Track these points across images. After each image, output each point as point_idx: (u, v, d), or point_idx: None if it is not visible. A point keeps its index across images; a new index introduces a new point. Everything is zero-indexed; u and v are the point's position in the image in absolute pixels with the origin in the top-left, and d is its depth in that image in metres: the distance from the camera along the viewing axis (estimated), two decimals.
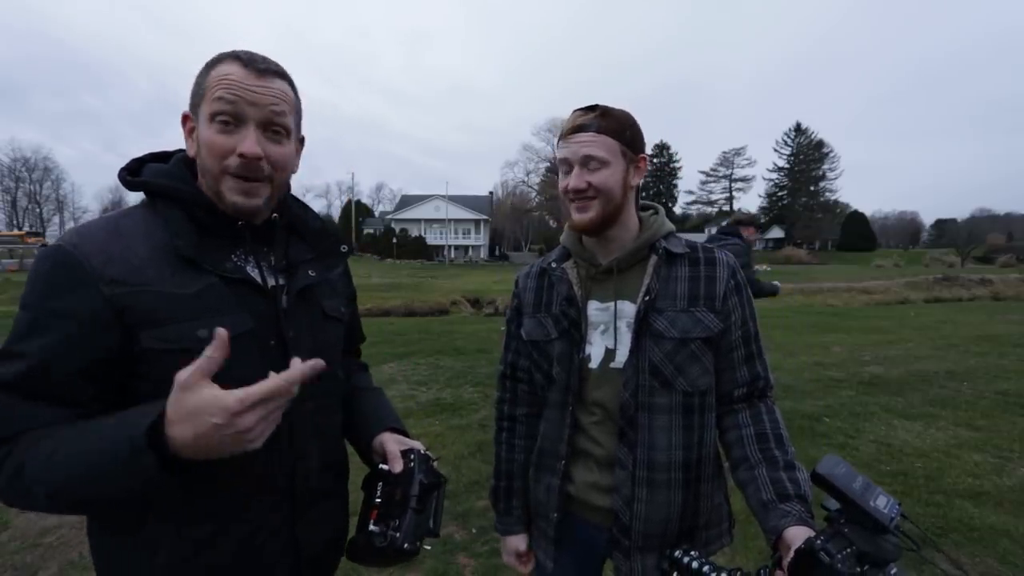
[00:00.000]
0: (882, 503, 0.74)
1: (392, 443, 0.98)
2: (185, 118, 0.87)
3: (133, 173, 0.87)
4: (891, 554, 0.72)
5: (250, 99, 0.81)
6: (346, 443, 1.07)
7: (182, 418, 0.65)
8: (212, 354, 0.66)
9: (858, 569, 0.71)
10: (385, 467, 0.93)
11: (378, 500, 0.90)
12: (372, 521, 0.88)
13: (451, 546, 2.70)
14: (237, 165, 0.81)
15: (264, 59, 0.85)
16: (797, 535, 0.84)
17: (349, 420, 1.08)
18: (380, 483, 0.92)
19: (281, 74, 0.86)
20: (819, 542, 0.74)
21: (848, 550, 0.72)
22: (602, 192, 1.08)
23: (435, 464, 0.95)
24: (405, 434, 1.03)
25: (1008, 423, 4.62)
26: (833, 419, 4.76)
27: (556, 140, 1.15)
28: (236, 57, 0.82)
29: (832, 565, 0.71)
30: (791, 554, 0.79)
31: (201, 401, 0.64)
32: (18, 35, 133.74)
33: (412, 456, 0.93)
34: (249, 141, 0.81)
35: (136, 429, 0.66)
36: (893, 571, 0.71)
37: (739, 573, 0.86)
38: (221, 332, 0.67)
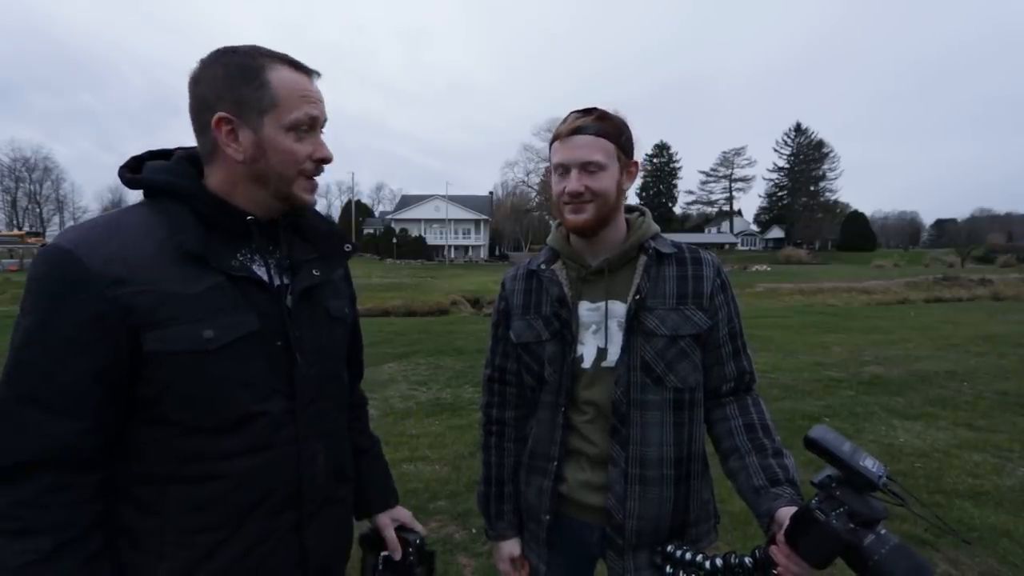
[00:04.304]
0: (870, 463, 0.79)
1: (390, 530, 1.09)
2: (221, 121, 0.81)
3: (133, 171, 0.85)
4: (879, 513, 0.77)
5: (323, 109, 0.87)
6: (351, 448, 1.06)
7: None
8: None
9: (851, 525, 0.75)
10: (386, 553, 1.07)
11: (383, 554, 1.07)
12: None
13: (451, 546, 2.69)
14: (313, 168, 0.88)
15: (303, 63, 0.89)
16: (789, 513, 0.86)
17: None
18: (381, 555, 1.07)
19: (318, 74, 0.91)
20: (814, 503, 0.79)
21: (841, 509, 0.76)
22: (599, 195, 1.08)
23: (425, 549, 1.10)
24: (395, 499, 1.15)
25: (1008, 423, 4.63)
26: (833, 419, 4.77)
27: (550, 142, 1.15)
28: (292, 64, 0.85)
29: (828, 522, 0.76)
30: (787, 521, 0.83)
31: None
32: (17, 34, 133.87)
33: (411, 550, 1.07)
34: (327, 147, 0.89)
35: None
36: (882, 530, 0.75)
37: (733, 556, 0.89)
38: None
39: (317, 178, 0.91)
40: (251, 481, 0.81)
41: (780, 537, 0.83)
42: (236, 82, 0.80)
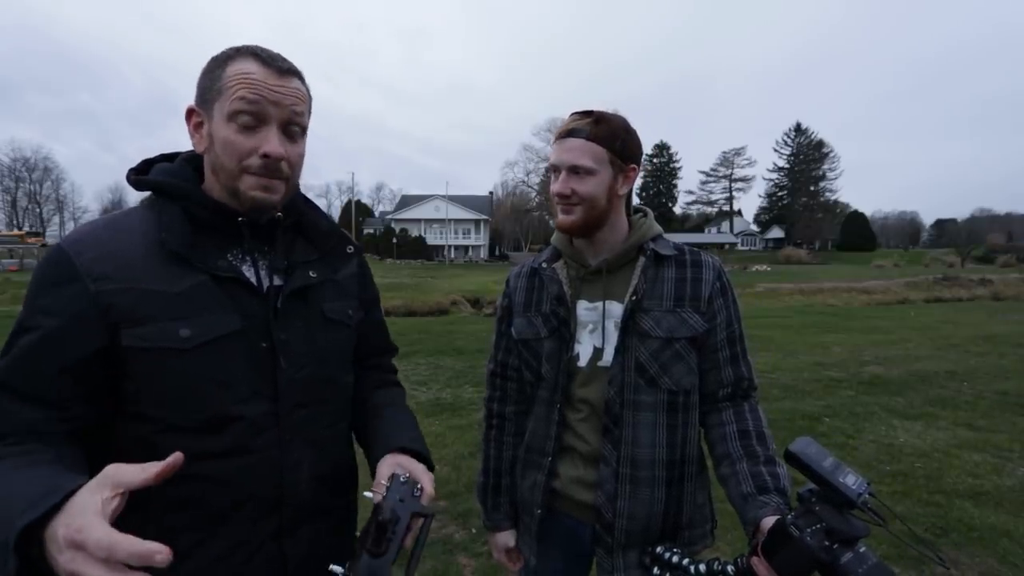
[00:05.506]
0: (851, 480, 0.76)
1: (385, 467, 0.86)
2: (190, 112, 0.83)
3: (142, 174, 0.86)
4: (859, 531, 0.74)
5: (273, 99, 0.79)
6: (352, 453, 1.03)
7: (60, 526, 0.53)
8: (147, 472, 0.57)
9: (827, 543, 0.72)
10: (369, 494, 0.80)
11: (357, 534, 0.80)
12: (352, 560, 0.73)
13: (451, 546, 2.70)
14: (259, 165, 0.80)
15: (282, 58, 0.83)
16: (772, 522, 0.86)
17: (365, 445, 1.01)
18: (364, 493, 0.84)
19: (298, 73, 0.85)
20: (790, 518, 0.77)
21: (818, 526, 0.74)
22: (585, 199, 1.09)
23: (416, 493, 0.80)
24: (417, 453, 0.92)
25: (1008, 423, 4.63)
26: (833, 419, 4.77)
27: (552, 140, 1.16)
28: (254, 54, 0.80)
29: (801, 539, 0.73)
30: (765, 535, 0.81)
31: (78, 509, 0.54)
32: (17, 34, 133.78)
33: (385, 484, 0.79)
34: (273, 143, 0.80)
35: (15, 517, 0.54)
36: (861, 549, 0.72)
37: (716, 563, 0.89)
38: (177, 457, 0.59)
39: (277, 181, 0.83)
40: (229, 484, 0.80)
41: (759, 550, 0.82)
42: (205, 75, 0.82)
